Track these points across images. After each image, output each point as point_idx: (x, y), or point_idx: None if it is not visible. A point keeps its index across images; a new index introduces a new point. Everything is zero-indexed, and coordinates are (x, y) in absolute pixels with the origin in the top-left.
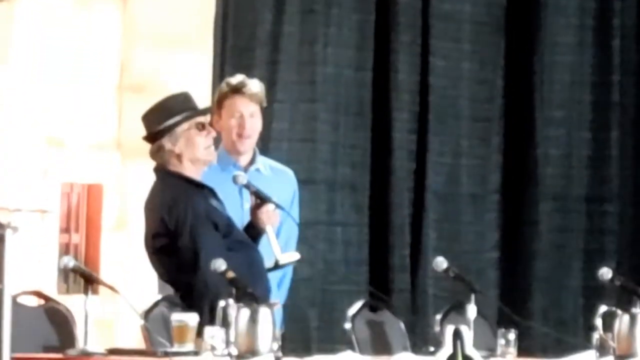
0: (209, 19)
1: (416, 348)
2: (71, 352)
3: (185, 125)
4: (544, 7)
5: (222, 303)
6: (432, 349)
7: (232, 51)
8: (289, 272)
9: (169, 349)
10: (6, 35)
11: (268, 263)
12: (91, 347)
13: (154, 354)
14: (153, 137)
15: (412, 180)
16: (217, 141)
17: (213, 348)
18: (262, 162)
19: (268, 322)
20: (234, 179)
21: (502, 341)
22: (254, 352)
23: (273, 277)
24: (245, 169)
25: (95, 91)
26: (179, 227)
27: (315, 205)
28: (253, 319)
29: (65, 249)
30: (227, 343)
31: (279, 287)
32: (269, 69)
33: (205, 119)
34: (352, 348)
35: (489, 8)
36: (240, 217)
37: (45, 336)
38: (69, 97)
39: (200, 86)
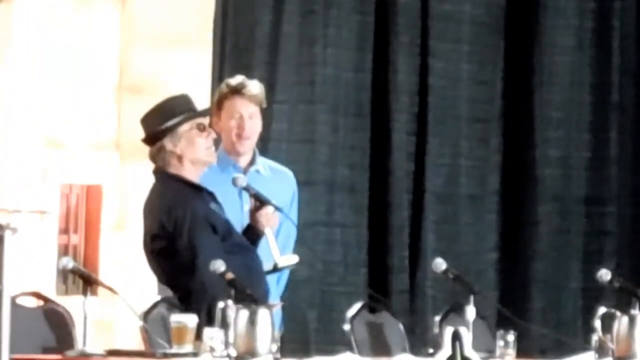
0: (209, 19)
1: (415, 349)
2: (70, 353)
3: (186, 126)
4: (543, 8)
5: (221, 304)
6: (431, 350)
7: (231, 52)
8: (285, 272)
9: (168, 350)
10: (4, 35)
11: (267, 266)
12: (90, 348)
13: (153, 355)
14: (153, 138)
15: (411, 181)
16: (216, 142)
17: (212, 349)
18: (262, 163)
19: (267, 323)
20: (234, 182)
21: (501, 342)
22: (253, 353)
23: (272, 277)
24: (245, 170)
25: (94, 92)
26: (178, 229)
27: (314, 206)
28: (252, 321)
29: (64, 250)
30: (226, 344)
31: (277, 282)
32: (268, 70)
33: (206, 120)
34: (351, 349)
35: (488, 9)
36: (239, 219)
37: (44, 337)
38: (68, 97)
39: (200, 87)
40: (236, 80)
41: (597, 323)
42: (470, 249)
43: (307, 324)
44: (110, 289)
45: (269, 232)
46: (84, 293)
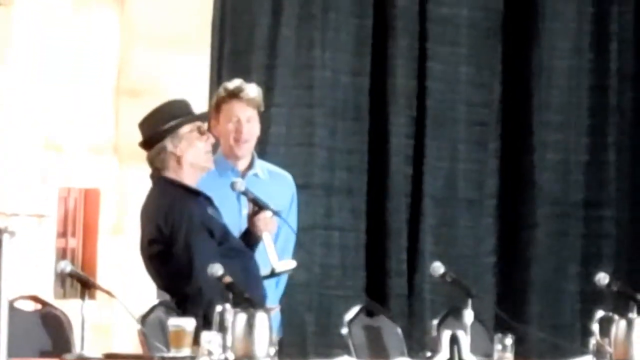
0: (207, 22)
1: (413, 353)
2: (68, 357)
3: (187, 128)
4: (541, 12)
5: (218, 308)
6: (429, 354)
7: (229, 55)
8: (283, 276)
9: (166, 354)
10: (3, 37)
11: (264, 270)
12: (88, 352)
13: (151, 359)
14: (154, 140)
15: (409, 184)
16: (214, 147)
17: (210, 353)
18: (261, 166)
19: (265, 327)
20: (232, 186)
21: (498, 346)
22: (250, 357)
23: (270, 282)
24: (243, 174)
25: (93, 95)
26: (174, 234)
27: (313, 209)
28: (250, 324)
29: (62, 254)
30: (224, 348)
31: (276, 286)
32: (267, 73)
33: (205, 124)
34: (349, 353)
35: (486, 12)
36: (237, 223)
37: (42, 341)
38: (67, 100)
39: (198, 90)
40: (234, 83)
41: (595, 326)
42: (468, 253)
43: (305, 327)
44: (108, 293)
45: (266, 236)
46: (82, 297)
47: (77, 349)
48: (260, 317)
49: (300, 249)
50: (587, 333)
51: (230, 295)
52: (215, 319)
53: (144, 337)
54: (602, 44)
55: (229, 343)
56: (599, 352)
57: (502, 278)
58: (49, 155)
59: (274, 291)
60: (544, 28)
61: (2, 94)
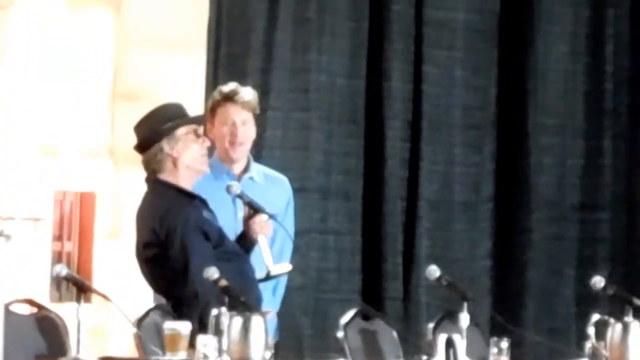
0: (203, 26)
1: (409, 356)
2: None
3: (183, 130)
4: (537, 15)
5: (214, 311)
6: (424, 357)
7: (225, 58)
8: (283, 278)
9: (162, 357)
10: (0, 40)
11: (260, 273)
12: (84, 356)
13: None
14: (150, 141)
15: (405, 188)
16: (210, 151)
17: (205, 356)
18: (256, 170)
19: (260, 330)
20: (228, 189)
21: (494, 350)
22: None
23: (267, 284)
24: (239, 178)
25: (89, 98)
26: (170, 237)
27: (308, 213)
28: (246, 327)
29: (57, 257)
30: (220, 351)
31: (273, 293)
32: (262, 77)
33: (200, 128)
34: (344, 357)
35: (482, 16)
36: (233, 226)
37: (37, 344)
38: (62, 103)
39: (194, 93)
40: (229, 87)
41: (591, 330)
42: (464, 256)
43: (301, 330)
44: (104, 296)
45: (262, 239)
46: (78, 300)
47: (72, 352)
48: (256, 320)
49: (296, 253)
50: (582, 336)
51: (226, 299)
52: (211, 322)
53: (140, 341)
54: (597, 47)
55: (224, 346)
56: (594, 355)
57: (498, 281)
58: (45, 158)
59: (271, 298)
60: (540, 31)
61: None
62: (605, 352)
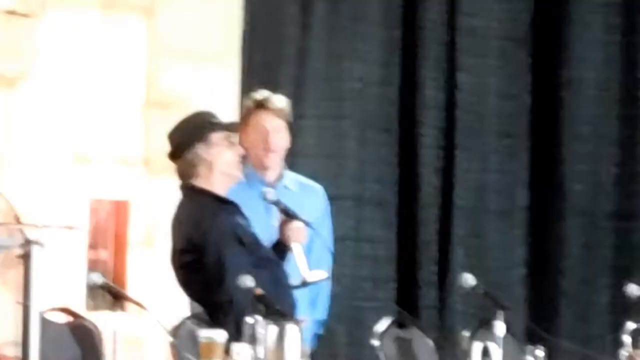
0: (236, 34)
1: None
2: None
3: (219, 135)
4: (570, 23)
5: (249, 320)
6: None
7: (258, 67)
8: (322, 289)
9: None
10: (31, 51)
11: (295, 281)
12: None
13: None
14: (185, 145)
15: (439, 196)
16: (244, 160)
17: None
18: (290, 178)
19: (296, 338)
20: (263, 195)
21: (530, 358)
22: None
23: (304, 296)
24: (273, 186)
25: (122, 107)
26: (205, 243)
27: (343, 221)
28: (281, 336)
29: (93, 266)
30: None
31: (312, 305)
32: (296, 85)
33: (234, 136)
34: None
35: (515, 23)
36: (267, 234)
37: (73, 353)
38: (95, 113)
39: (227, 102)
40: (261, 94)
41: (626, 338)
42: (499, 264)
43: (336, 339)
44: (139, 305)
45: (297, 246)
46: (113, 309)
47: None
48: (291, 328)
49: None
50: (618, 345)
51: (261, 307)
52: (246, 330)
53: (175, 349)
54: (631, 54)
55: (260, 355)
56: None
57: (533, 290)
58: (79, 167)
59: (310, 310)
60: (573, 39)
61: (32, 106)
62: None
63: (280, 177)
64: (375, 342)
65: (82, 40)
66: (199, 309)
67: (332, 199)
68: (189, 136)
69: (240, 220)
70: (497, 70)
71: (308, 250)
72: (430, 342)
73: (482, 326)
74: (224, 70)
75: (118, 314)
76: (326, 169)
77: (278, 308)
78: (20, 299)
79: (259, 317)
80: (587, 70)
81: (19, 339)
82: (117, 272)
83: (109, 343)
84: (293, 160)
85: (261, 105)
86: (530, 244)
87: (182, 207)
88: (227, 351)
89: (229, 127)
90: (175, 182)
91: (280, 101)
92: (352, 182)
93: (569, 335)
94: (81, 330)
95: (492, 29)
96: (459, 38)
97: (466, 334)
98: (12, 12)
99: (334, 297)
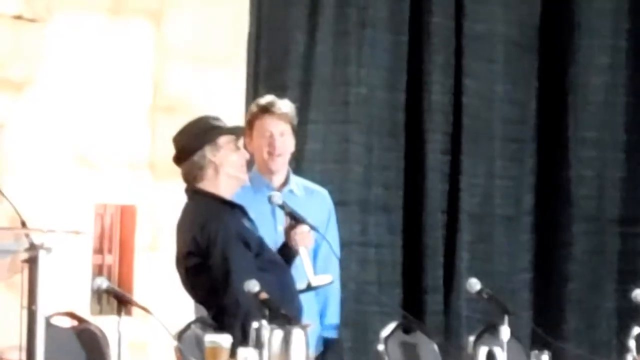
0: (242, 39)
1: None
2: None
3: (225, 138)
4: (577, 28)
5: (255, 324)
6: None
7: (265, 72)
8: (333, 293)
9: None
10: (38, 55)
11: (301, 285)
12: None
13: None
14: (193, 148)
15: (445, 201)
16: (249, 165)
17: None
18: (296, 182)
19: (301, 343)
20: (270, 199)
21: None
22: None
23: (313, 300)
24: (278, 190)
25: (128, 111)
26: (211, 245)
27: (348, 226)
28: (286, 340)
29: (98, 270)
30: None
31: (324, 310)
32: (302, 90)
33: (239, 140)
34: None
35: (522, 29)
36: (273, 238)
37: (78, 358)
38: (102, 117)
39: (234, 107)
40: (266, 99)
41: (632, 343)
42: (505, 269)
43: (342, 343)
44: (145, 309)
45: (303, 251)
46: (119, 313)
47: None
48: (297, 333)
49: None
50: (623, 350)
51: (267, 312)
52: (252, 335)
53: (181, 354)
54: (638, 59)
55: (265, 359)
56: None
57: (539, 294)
58: (85, 171)
59: (319, 321)
60: (580, 44)
61: (38, 111)
62: None
63: (286, 181)
64: (381, 347)
65: (88, 44)
66: (205, 313)
67: (338, 203)
68: (197, 139)
69: (246, 223)
70: (504, 76)
71: (314, 255)
72: (436, 347)
73: (488, 331)
74: (231, 75)
75: (123, 318)
76: (332, 173)
77: (283, 312)
78: (26, 304)
79: (264, 322)
80: (593, 76)
81: (24, 343)
82: (123, 276)
83: (114, 347)
84: (299, 165)
85: (266, 109)
86: (536, 249)
87: (187, 210)
88: (232, 355)
89: (235, 131)
90: (181, 186)
91: (284, 105)
92: (358, 187)
93: (575, 340)
94: (86, 335)
95: (499, 35)
96: (465, 43)
97: (471, 338)
98: (18, 17)
99: (340, 302)
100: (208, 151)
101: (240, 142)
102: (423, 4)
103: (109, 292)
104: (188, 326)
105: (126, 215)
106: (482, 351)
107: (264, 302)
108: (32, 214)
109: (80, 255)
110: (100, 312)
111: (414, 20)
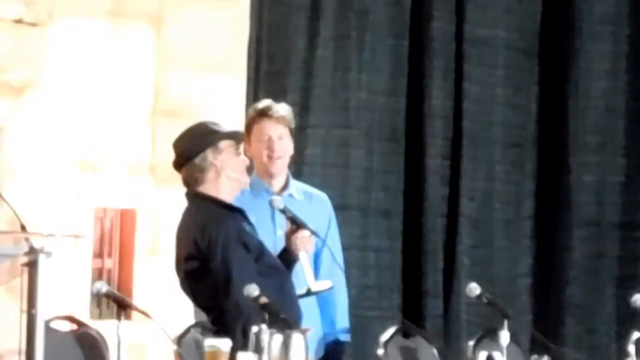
0: (243, 44)
1: None
2: None
3: (226, 142)
4: (578, 33)
5: (254, 328)
6: None
7: (265, 76)
8: (340, 297)
9: None
10: (39, 59)
11: (300, 290)
12: None
13: None
14: (194, 151)
15: (445, 205)
16: (249, 170)
17: None
18: (296, 187)
19: (301, 347)
20: (271, 203)
21: None
22: None
23: (315, 311)
24: (278, 195)
25: (129, 115)
26: (211, 248)
27: (349, 230)
28: (286, 345)
29: (98, 274)
30: None
31: (333, 321)
32: (303, 95)
33: (239, 145)
34: None
35: (522, 34)
36: (272, 243)
37: None
38: (102, 121)
39: (234, 112)
40: (263, 103)
41: (631, 348)
42: (505, 274)
43: (346, 347)
44: (144, 313)
45: (303, 255)
46: (118, 317)
47: None
48: (296, 338)
49: None
50: (623, 354)
51: (266, 316)
52: (252, 339)
53: (180, 358)
54: (638, 64)
55: None
56: None
57: (538, 299)
58: (85, 175)
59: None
60: (581, 49)
61: (39, 115)
62: None
63: (285, 185)
64: (380, 352)
65: (89, 48)
66: (204, 317)
67: (339, 208)
68: (198, 142)
69: (246, 227)
70: (504, 81)
71: (315, 260)
72: (435, 351)
73: (487, 335)
74: (231, 80)
75: (123, 322)
76: (332, 178)
77: (283, 317)
78: (25, 307)
79: (264, 326)
80: (594, 81)
81: (24, 347)
82: (122, 280)
83: (114, 351)
84: (299, 169)
85: (263, 113)
86: (536, 253)
87: (187, 214)
88: (232, 359)
89: (235, 136)
90: (181, 191)
91: (282, 108)
92: (358, 192)
93: (574, 344)
94: (86, 339)
95: (500, 39)
96: (466, 48)
97: (471, 343)
98: (20, 21)
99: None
100: (209, 154)
101: (241, 147)
102: (424, 8)
103: (108, 296)
104: (188, 330)
105: (126, 219)
106: (482, 356)
107: (264, 307)
108: (32, 217)
109: (79, 259)
110: (100, 316)
111: (415, 25)
